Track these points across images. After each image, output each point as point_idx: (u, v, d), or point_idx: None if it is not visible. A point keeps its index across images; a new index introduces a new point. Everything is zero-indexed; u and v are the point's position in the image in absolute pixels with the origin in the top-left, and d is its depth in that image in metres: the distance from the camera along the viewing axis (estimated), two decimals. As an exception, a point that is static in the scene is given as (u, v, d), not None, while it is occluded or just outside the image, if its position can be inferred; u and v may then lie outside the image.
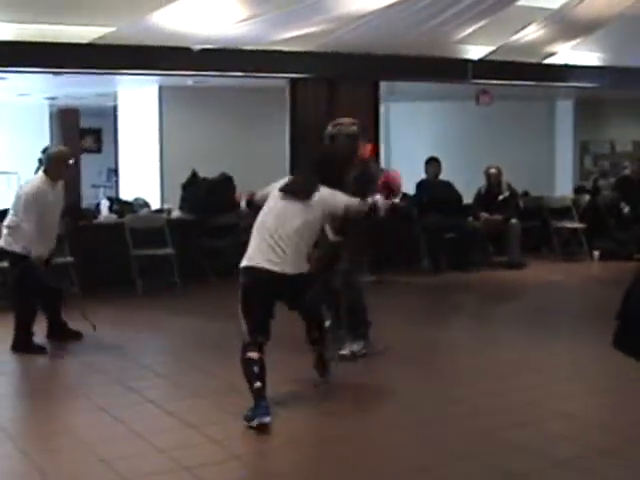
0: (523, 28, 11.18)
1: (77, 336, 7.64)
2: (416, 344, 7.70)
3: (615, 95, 14.46)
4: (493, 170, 12.22)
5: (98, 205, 11.39)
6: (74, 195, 14.50)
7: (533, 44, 11.65)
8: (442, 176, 12.12)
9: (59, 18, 9.30)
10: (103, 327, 8.30)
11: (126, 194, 12.82)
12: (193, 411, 5.69)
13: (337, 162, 6.34)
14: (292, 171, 10.68)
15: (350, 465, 4.73)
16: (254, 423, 5.28)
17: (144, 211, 11.06)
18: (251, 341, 5.63)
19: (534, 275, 11.61)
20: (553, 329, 8.45)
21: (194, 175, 11.28)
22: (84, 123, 16.59)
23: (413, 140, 14.87)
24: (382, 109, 12.01)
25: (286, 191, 5.87)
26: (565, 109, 15.55)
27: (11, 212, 7.31)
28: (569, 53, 12.44)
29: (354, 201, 6.01)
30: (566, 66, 12.70)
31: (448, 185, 12.11)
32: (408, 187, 12.17)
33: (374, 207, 6.08)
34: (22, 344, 7.17)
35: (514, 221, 12.13)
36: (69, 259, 9.53)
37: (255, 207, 6.20)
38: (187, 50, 9.96)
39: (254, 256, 5.73)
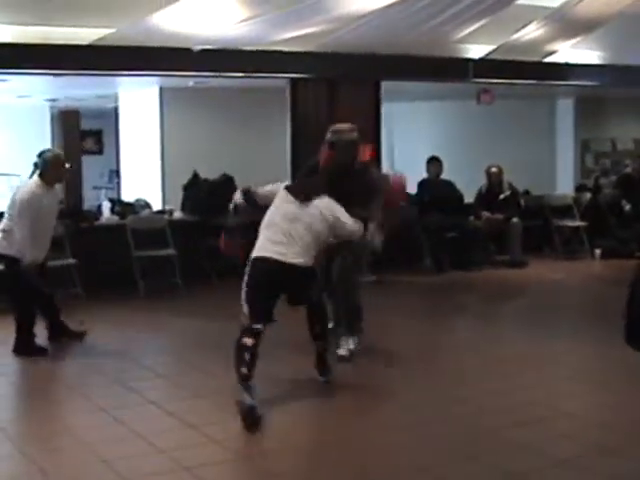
0: (523, 27, 11.17)
1: (80, 336, 7.64)
2: (418, 343, 7.71)
3: (616, 93, 14.45)
4: (494, 169, 12.21)
5: (100, 207, 11.39)
6: (75, 197, 14.56)
7: (533, 43, 11.64)
8: (443, 175, 12.12)
9: (59, 20, 9.30)
10: (105, 328, 8.35)
11: (128, 195, 12.82)
12: (193, 411, 5.69)
13: (338, 169, 6.43)
14: (293, 171, 10.69)
15: (350, 465, 4.73)
16: (244, 406, 5.42)
17: (145, 212, 11.05)
18: (249, 327, 5.75)
19: (536, 274, 11.61)
20: (555, 328, 8.45)
21: (195, 176, 11.28)
22: (85, 125, 16.64)
23: (414, 140, 14.88)
24: (383, 109, 11.98)
25: (289, 191, 6.10)
26: (566, 107, 15.53)
27: (6, 215, 7.25)
28: (569, 52, 12.44)
29: (349, 226, 6.14)
30: (566, 65, 12.69)
31: (449, 184, 12.11)
32: (409, 187, 12.21)
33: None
34: (23, 346, 7.17)
35: (515, 220, 12.13)
36: (71, 261, 9.55)
37: (252, 201, 6.32)
38: (187, 51, 9.96)
39: (265, 248, 5.94)
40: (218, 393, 6.12)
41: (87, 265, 9.60)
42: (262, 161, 11.73)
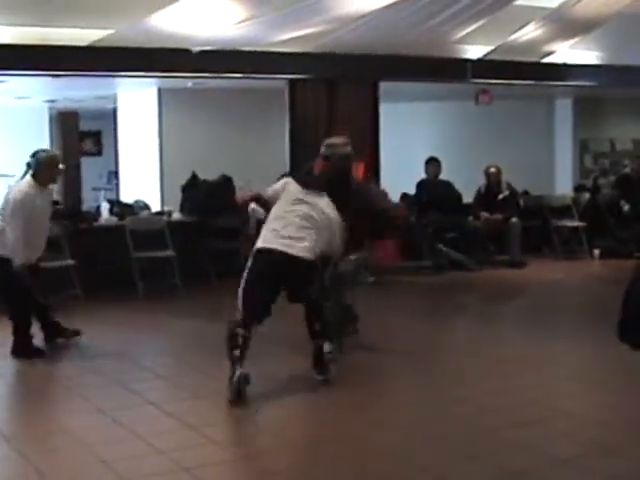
0: (521, 27, 11.18)
1: (75, 334, 7.62)
2: (417, 343, 7.70)
3: (614, 93, 14.47)
4: (493, 169, 12.22)
5: (98, 208, 11.39)
6: (74, 198, 14.56)
7: (532, 43, 11.65)
8: (442, 176, 12.12)
9: (58, 21, 9.31)
10: (103, 329, 8.36)
11: (126, 196, 12.82)
12: (193, 412, 5.69)
13: (334, 183, 6.53)
14: (291, 172, 10.69)
15: (349, 465, 4.73)
16: (235, 378, 5.64)
17: (144, 213, 11.05)
18: (242, 322, 5.85)
19: (535, 274, 11.61)
20: (554, 328, 8.45)
21: (194, 177, 11.28)
22: (84, 126, 16.63)
23: (413, 140, 14.88)
24: (382, 109, 11.99)
25: (306, 184, 6.29)
26: (564, 108, 15.54)
27: None
28: (568, 52, 12.45)
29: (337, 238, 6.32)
30: (565, 65, 12.71)
31: (448, 185, 12.11)
32: (408, 187, 12.23)
33: None
34: (21, 348, 7.15)
35: (514, 220, 12.13)
36: (70, 262, 9.54)
37: (266, 206, 6.47)
38: (186, 52, 9.97)
39: (270, 240, 6.04)
40: (217, 394, 6.10)
41: (86, 266, 9.60)
42: (261, 162, 11.74)
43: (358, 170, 7.16)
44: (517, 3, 10.19)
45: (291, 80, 11.29)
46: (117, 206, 11.21)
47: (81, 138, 17.02)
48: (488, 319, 9.08)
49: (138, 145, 13.60)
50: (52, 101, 14.55)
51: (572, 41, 11.97)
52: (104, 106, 14.99)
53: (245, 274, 6.06)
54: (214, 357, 6.35)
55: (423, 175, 12.19)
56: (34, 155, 7.22)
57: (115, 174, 16.28)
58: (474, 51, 11.96)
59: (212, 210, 10.78)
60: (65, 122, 15.91)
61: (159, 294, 9.97)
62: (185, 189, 11.27)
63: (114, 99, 14.07)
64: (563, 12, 10.86)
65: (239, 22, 9.27)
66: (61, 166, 7.40)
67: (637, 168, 13.68)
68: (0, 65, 9.32)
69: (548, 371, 6.73)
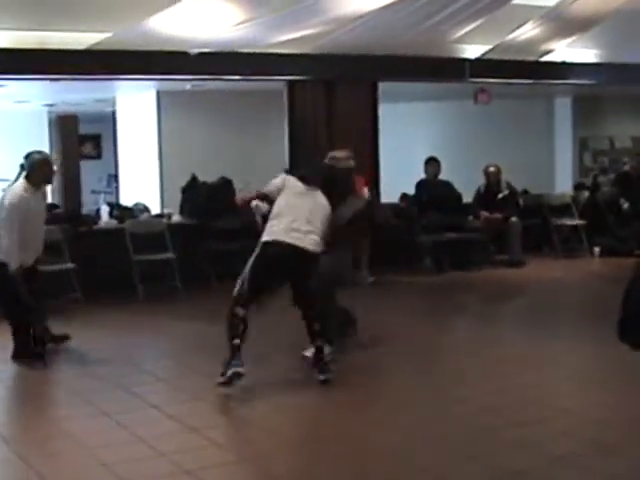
0: (519, 26, 11.18)
1: (64, 339, 7.57)
2: (417, 343, 7.71)
3: (613, 91, 14.46)
4: (492, 169, 12.21)
5: (98, 211, 11.40)
6: (74, 201, 14.58)
7: (530, 42, 11.64)
8: (442, 176, 12.12)
9: (55, 25, 9.31)
10: (104, 332, 8.36)
11: (126, 199, 12.83)
12: (194, 414, 5.70)
13: (335, 196, 6.65)
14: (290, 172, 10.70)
15: (350, 466, 4.74)
16: (229, 372, 5.93)
17: (144, 216, 11.06)
18: (242, 297, 6.09)
19: (535, 273, 11.61)
20: (554, 327, 8.46)
21: (194, 179, 11.28)
22: (83, 129, 16.64)
23: (412, 140, 14.88)
24: (381, 110, 12.00)
25: (305, 180, 6.45)
26: (563, 106, 15.54)
27: None
28: (566, 50, 12.44)
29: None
30: (563, 63, 12.70)
31: (448, 185, 12.10)
32: (408, 187, 12.23)
33: None
34: (21, 350, 7.16)
35: (514, 219, 12.12)
36: (70, 265, 9.54)
37: (270, 202, 6.56)
38: (184, 54, 9.96)
39: (278, 232, 6.20)
40: (218, 396, 6.13)
41: (86, 269, 9.59)
42: (260, 163, 11.73)
43: (359, 183, 7.20)
44: (515, 2, 10.18)
45: (290, 81, 11.29)
46: (117, 209, 11.22)
47: (80, 141, 17.05)
48: (488, 319, 9.09)
49: (137, 148, 13.61)
50: (51, 105, 14.56)
51: (570, 39, 11.96)
52: (103, 109, 15.00)
53: (251, 263, 6.21)
54: (215, 359, 6.35)
55: (423, 175, 12.19)
56: (27, 157, 7.21)
57: (115, 177, 16.30)
58: (472, 50, 11.96)
59: (212, 212, 10.78)
60: (64, 126, 15.93)
61: (159, 297, 9.97)
62: (185, 191, 11.27)
63: (113, 102, 14.08)
64: (561, 10, 10.85)
65: (237, 24, 9.26)
66: (54, 167, 7.38)
67: (636, 166, 13.67)
68: (-1, 69, 9.34)
69: (548, 371, 6.74)
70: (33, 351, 7.18)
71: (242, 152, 12.51)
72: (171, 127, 12.72)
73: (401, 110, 14.70)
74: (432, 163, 12.10)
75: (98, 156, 18.67)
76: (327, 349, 6.41)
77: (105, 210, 11.07)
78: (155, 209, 11.77)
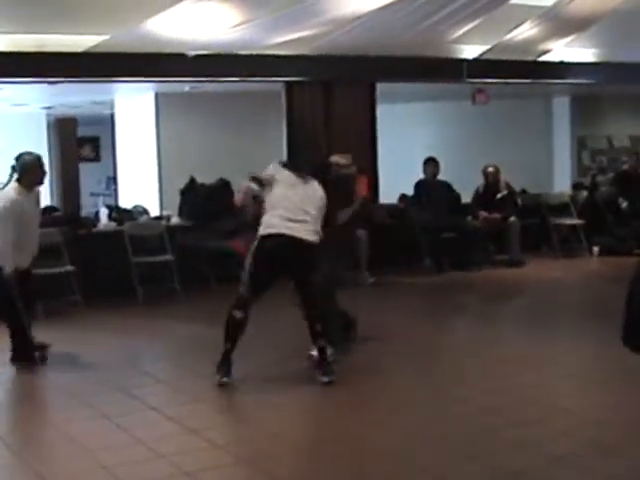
0: (517, 26, 11.18)
1: (44, 348, 7.36)
2: (417, 344, 7.71)
3: (611, 90, 14.46)
4: (491, 169, 12.22)
5: (97, 213, 11.39)
6: (73, 204, 14.57)
7: (527, 42, 11.65)
8: (440, 176, 12.12)
9: (53, 27, 9.31)
10: (103, 335, 8.36)
11: (125, 202, 12.82)
12: (194, 416, 5.70)
13: (336, 200, 6.72)
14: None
15: (350, 467, 4.74)
16: (215, 381, 6.18)
17: (143, 218, 11.05)
18: (242, 298, 6.20)
19: (534, 273, 11.61)
20: (553, 327, 8.45)
21: (192, 181, 11.27)
22: (82, 132, 16.64)
23: (411, 141, 14.89)
24: (379, 110, 12.00)
25: (296, 168, 6.50)
26: (561, 106, 15.54)
27: None
28: (564, 50, 12.45)
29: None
30: (561, 63, 12.71)
31: (446, 185, 12.11)
32: (407, 187, 12.24)
33: None
34: (21, 353, 7.15)
35: (513, 219, 12.12)
36: (69, 268, 9.52)
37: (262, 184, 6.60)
38: (182, 56, 9.96)
39: (274, 224, 6.23)
40: (218, 397, 6.14)
41: (85, 272, 9.58)
42: (259, 165, 11.64)
43: (361, 184, 7.23)
44: (512, 2, 10.20)
45: (288, 83, 11.30)
46: (115, 211, 11.22)
47: (79, 144, 17.05)
48: (488, 319, 9.09)
49: (136, 150, 13.60)
50: (49, 108, 14.55)
51: (568, 39, 11.98)
52: (101, 112, 14.99)
53: (250, 257, 6.26)
54: (214, 361, 6.36)
55: (421, 176, 12.19)
56: (18, 158, 7.19)
57: (113, 179, 16.29)
58: (470, 51, 11.96)
59: (210, 214, 10.78)
60: (63, 128, 15.93)
61: (158, 299, 9.97)
62: (183, 193, 11.27)
63: (111, 105, 14.08)
64: (558, 10, 10.86)
65: (234, 26, 9.27)
66: (45, 168, 7.35)
67: (635, 165, 13.67)
68: (-4, 73, 9.33)
69: (547, 371, 6.73)
70: (32, 353, 7.18)
71: (240, 154, 12.49)
72: (169, 129, 12.72)
73: (399, 111, 14.70)
74: (431, 163, 12.09)
75: (97, 159, 18.65)
76: (329, 351, 6.41)
77: (104, 212, 11.07)
78: (154, 211, 11.77)
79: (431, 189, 12.01)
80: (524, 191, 13.52)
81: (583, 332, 7.98)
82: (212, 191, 11.00)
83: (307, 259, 6.29)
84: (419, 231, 11.79)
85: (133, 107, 13.59)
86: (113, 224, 10.74)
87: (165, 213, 11.43)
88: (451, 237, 11.80)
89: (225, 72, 10.62)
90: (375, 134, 11.85)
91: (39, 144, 14.55)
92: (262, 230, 6.29)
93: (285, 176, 6.43)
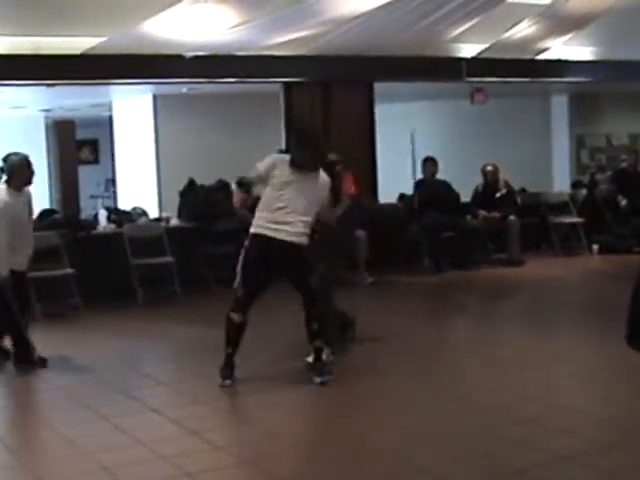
0: (515, 25, 11.19)
1: (42, 362, 7.25)
2: (417, 343, 7.70)
3: (609, 88, 14.47)
4: (490, 168, 12.21)
5: (96, 215, 11.37)
6: (73, 207, 14.57)
7: (526, 40, 11.66)
8: (439, 175, 12.11)
9: (50, 30, 9.32)
10: (104, 337, 8.36)
11: (125, 204, 12.81)
12: (194, 418, 5.69)
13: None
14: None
15: (350, 467, 4.73)
16: (218, 384, 6.20)
17: (142, 220, 11.04)
18: (239, 297, 6.20)
19: (534, 271, 11.60)
20: (553, 325, 8.45)
21: (191, 182, 11.27)
22: (80, 134, 16.64)
23: (409, 140, 14.90)
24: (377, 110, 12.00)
25: (297, 165, 6.29)
26: (560, 104, 15.56)
27: None
28: (562, 48, 12.46)
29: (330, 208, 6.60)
30: (559, 61, 12.72)
31: (445, 184, 12.10)
32: (406, 187, 12.24)
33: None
34: (21, 356, 7.15)
35: (512, 218, 12.12)
36: (69, 271, 9.51)
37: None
38: (180, 58, 9.96)
39: (264, 225, 6.19)
40: (218, 399, 6.14)
41: (85, 274, 9.57)
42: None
43: (347, 182, 7.18)
44: (510, 0, 10.20)
45: (286, 83, 11.30)
46: (115, 213, 11.20)
47: (78, 147, 17.06)
48: (487, 318, 9.08)
49: (135, 152, 13.61)
50: (48, 110, 14.55)
51: (566, 37, 11.98)
52: (100, 114, 15.00)
53: (242, 257, 6.28)
54: (214, 363, 6.36)
55: (420, 175, 12.19)
56: (5, 160, 7.18)
57: (112, 182, 16.29)
58: (468, 50, 11.97)
59: (210, 215, 10.78)
60: (61, 131, 15.93)
61: (158, 301, 9.96)
62: (183, 195, 11.27)
63: (109, 107, 14.09)
64: (556, 8, 10.88)
65: (232, 27, 9.27)
66: (33, 167, 7.33)
67: (633, 163, 13.66)
68: (-6, 75, 9.33)
69: (548, 369, 6.72)
70: (32, 356, 7.17)
71: (239, 154, 12.42)
72: (168, 131, 12.72)
73: (398, 110, 14.70)
74: (430, 163, 12.09)
75: (95, 161, 18.66)
76: (326, 351, 6.40)
77: (103, 215, 11.05)
78: (153, 213, 11.76)
79: (430, 188, 12.00)
80: (523, 190, 13.51)
81: (583, 330, 7.98)
82: (211, 192, 11.00)
83: (298, 261, 6.24)
84: (418, 231, 11.79)
85: (131, 109, 13.60)
86: (112, 226, 10.73)
87: (164, 215, 11.42)
88: (450, 236, 11.79)
89: (223, 73, 10.62)
90: (374, 134, 11.85)
91: (38, 147, 14.59)
92: (252, 229, 6.29)
93: (280, 173, 6.28)
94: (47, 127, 15.56)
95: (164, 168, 12.73)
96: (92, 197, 17.12)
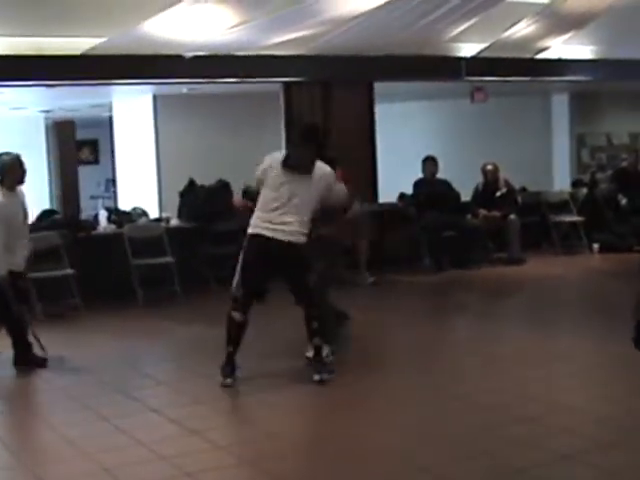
0: (515, 24, 11.18)
1: (43, 362, 7.28)
2: (418, 342, 7.71)
3: (610, 87, 14.46)
4: (490, 167, 12.21)
5: (96, 216, 11.37)
6: (73, 207, 14.56)
7: (526, 39, 11.65)
8: (439, 175, 12.10)
9: (50, 30, 9.31)
10: (104, 337, 8.36)
11: (125, 204, 12.80)
12: (195, 417, 5.69)
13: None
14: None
15: (350, 466, 4.73)
16: (219, 383, 6.21)
17: (142, 220, 11.03)
18: (239, 297, 6.24)
19: (534, 270, 11.60)
20: (554, 324, 8.45)
21: (191, 183, 11.25)
22: (80, 135, 16.63)
23: (410, 140, 14.89)
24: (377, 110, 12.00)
25: (289, 166, 6.27)
26: (560, 103, 15.55)
27: None
28: (562, 47, 12.45)
29: (342, 192, 6.70)
30: (559, 60, 12.71)
31: (445, 183, 12.09)
32: (406, 186, 12.23)
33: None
34: (22, 357, 7.15)
35: (513, 217, 12.12)
36: (69, 271, 9.51)
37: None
38: (179, 58, 9.95)
39: (261, 225, 6.22)
40: (219, 399, 6.14)
41: (85, 275, 9.56)
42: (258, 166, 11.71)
43: (337, 176, 7.18)
44: (510, 0, 10.19)
45: (286, 83, 11.29)
46: (115, 214, 11.19)
47: (78, 147, 17.05)
48: (488, 317, 9.08)
49: (135, 152, 13.60)
50: (48, 111, 14.55)
51: (566, 36, 11.98)
52: (100, 114, 15.00)
53: (241, 258, 6.32)
54: (214, 362, 6.36)
55: (420, 174, 12.18)
56: None
57: (113, 182, 16.29)
58: (468, 49, 11.96)
59: (210, 215, 10.78)
60: (62, 131, 15.92)
61: (159, 301, 9.95)
62: (183, 195, 11.26)
63: (110, 107, 14.08)
64: (556, 7, 10.87)
65: (232, 27, 9.27)
66: (25, 166, 7.32)
67: (634, 162, 13.65)
68: (-6, 76, 9.33)
69: (548, 368, 6.72)
70: (32, 357, 7.17)
71: (239, 154, 12.47)
72: (168, 131, 12.72)
73: (398, 110, 14.70)
74: (430, 162, 12.08)
75: (96, 161, 18.67)
76: (325, 349, 6.40)
77: (103, 215, 11.04)
78: (153, 213, 11.75)
79: (430, 188, 11.99)
80: (524, 189, 13.51)
81: (584, 329, 7.98)
82: (211, 192, 10.99)
83: (296, 260, 6.25)
84: (419, 230, 11.79)
85: (131, 109, 13.59)
86: (112, 226, 10.71)
87: (164, 215, 11.41)
88: (451, 235, 11.79)
89: (223, 73, 10.62)
90: (374, 133, 11.85)
91: (38, 148, 14.61)
92: (250, 229, 6.31)
93: (275, 173, 6.30)
94: (47, 128, 15.56)
95: (164, 168, 12.72)
96: (92, 197, 17.11)
